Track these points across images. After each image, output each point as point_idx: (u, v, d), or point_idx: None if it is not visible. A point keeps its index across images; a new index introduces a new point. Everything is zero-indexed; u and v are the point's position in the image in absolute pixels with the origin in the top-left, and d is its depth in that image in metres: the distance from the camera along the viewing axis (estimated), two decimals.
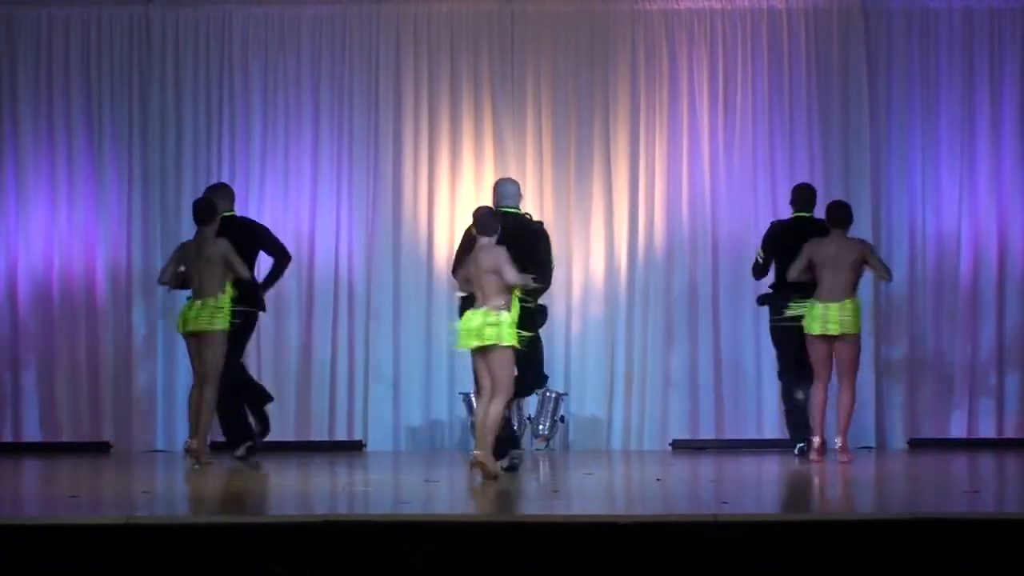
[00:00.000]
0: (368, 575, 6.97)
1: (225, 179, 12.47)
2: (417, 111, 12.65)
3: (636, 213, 12.62)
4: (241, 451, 10.96)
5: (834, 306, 10.70)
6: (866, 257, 10.84)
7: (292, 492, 9.34)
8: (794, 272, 10.88)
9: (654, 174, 12.63)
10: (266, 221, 12.51)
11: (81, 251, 12.56)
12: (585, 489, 9.33)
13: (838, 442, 10.75)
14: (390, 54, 12.68)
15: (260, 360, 12.36)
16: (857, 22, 12.66)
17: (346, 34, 12.71)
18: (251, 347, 12.18)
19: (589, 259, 12.61)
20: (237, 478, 10.23)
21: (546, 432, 12.12)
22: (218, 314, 10.82)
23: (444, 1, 12.72)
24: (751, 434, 12.36)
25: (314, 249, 12.59)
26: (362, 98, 12.66)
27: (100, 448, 12.39)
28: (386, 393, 12.53)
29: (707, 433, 12.51)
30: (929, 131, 12.63)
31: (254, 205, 12.54)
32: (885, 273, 11.01)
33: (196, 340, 10.88)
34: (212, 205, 11.04)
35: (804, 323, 10.77)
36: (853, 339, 10.78)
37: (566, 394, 12.35)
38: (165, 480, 10.27)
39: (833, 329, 10.69)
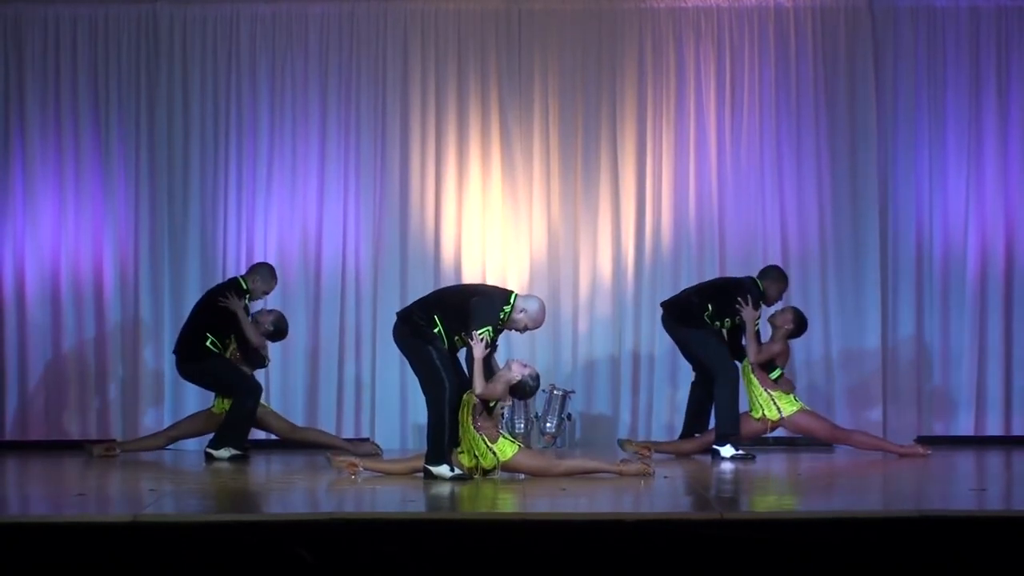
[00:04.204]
0: (374, 572, 6.97)
1: (232, 178, 12.52)
2: (424, 109, 12.65)
3: (643, 211, 12.62)
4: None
5: None
6: None
7: (299, 490, 9.34)
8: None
9: (661, 172, 12.63)
10: (273, 220, 12.57)
11: (89, 249, 12.55)
12: (591, 487, 9.33)
13: None
14: (397, 52, 12.68)
15: None
16: (864, 20, 12.65)
17: (353, 32, 12.71)
18: None
19: (596, 257, 12.61)
20: (244, 477, 10.24)
21: (553, 430, 12.12)
22: None
23: None
24: None
25: (321, 247, 12.59)
26: (369, 96, 12.66)
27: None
28: (393, 391, 12.52)
29: None
30: (936, 129, 12.62)
31: (261, 204, 12.55)
32: None
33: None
34: None
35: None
36: None
37: (573, 392, 12.34)
38: (172, 478, 10.27)
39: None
